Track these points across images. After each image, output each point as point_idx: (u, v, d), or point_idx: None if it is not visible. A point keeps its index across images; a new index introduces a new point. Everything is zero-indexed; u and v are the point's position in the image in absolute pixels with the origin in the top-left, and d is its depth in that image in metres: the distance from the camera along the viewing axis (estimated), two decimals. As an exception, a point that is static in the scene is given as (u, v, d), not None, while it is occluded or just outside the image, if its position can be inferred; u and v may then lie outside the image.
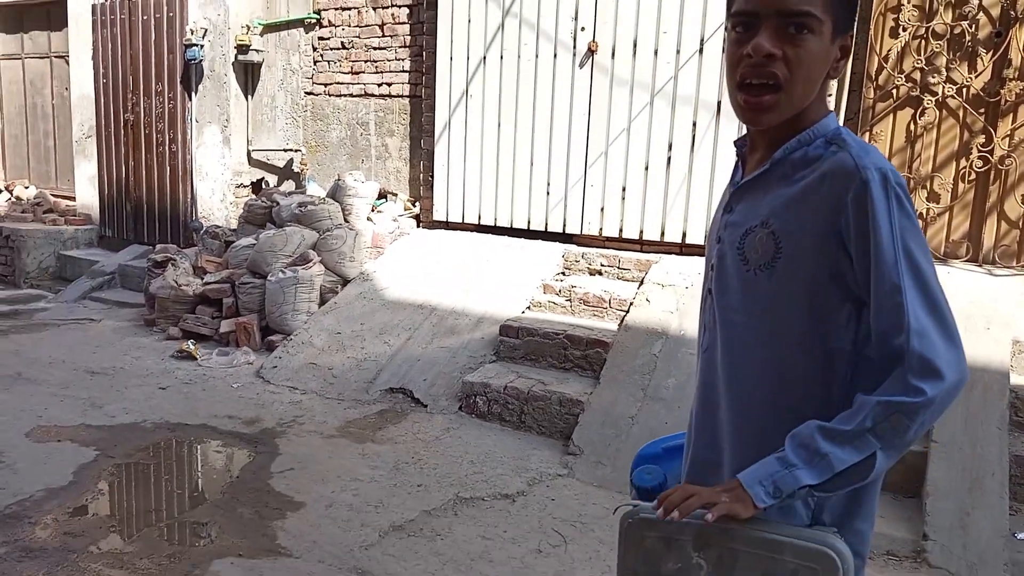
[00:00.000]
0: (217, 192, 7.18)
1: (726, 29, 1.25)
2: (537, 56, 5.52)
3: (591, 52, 5.29)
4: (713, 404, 1.31)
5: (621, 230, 5.31)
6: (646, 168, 5.17)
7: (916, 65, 4.54)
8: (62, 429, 3.91)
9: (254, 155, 7.16)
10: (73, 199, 8.44)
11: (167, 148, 7.36)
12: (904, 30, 4.54)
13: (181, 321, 5.65)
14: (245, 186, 7.19)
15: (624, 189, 5.27)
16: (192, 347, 5.15)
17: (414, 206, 6.40)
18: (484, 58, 5.74)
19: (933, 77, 4.51)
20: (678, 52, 5.00)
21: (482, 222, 5.93)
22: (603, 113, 5.29)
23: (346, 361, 4.87)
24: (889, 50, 4.60)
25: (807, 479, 1.11)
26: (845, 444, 1.11)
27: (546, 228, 5.64)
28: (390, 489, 3.38)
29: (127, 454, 3.66)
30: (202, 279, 5.82)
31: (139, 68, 7.40)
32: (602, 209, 5.37)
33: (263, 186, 7.13)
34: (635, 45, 5.13)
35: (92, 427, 3.95)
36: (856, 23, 1.22)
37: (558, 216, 5.58)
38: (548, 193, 5.59)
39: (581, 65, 5.35)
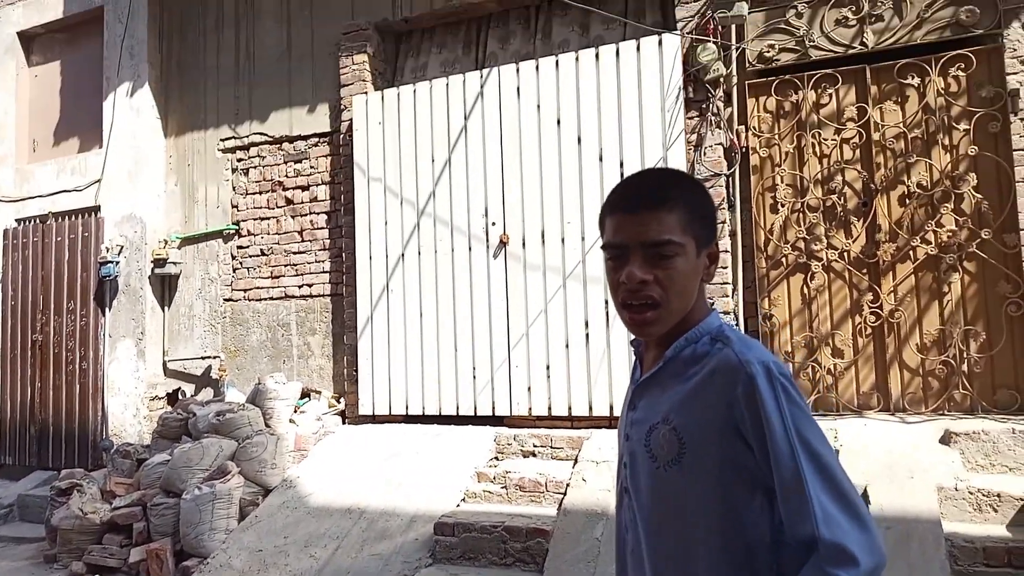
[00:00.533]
0: (130, 407, 6.87)
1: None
2: (453, 250, 5.77)
3: (503, 243, 5.58)
4: None
5: (550, 408, 5.32)
6: (567, 345, 5.30)
7: (799, 235, 4.97)
8: None
9: (170, 365, 6.98)
10: (-31, 428, 7.89)
11: (77, 366, 7.11)
12: (782, 206, 5.02)
13: (86, 554, 5.14)
14: (160, 398, 6.93)
15: (548, 367, 5.35)
16: (94, 584, 4.66)
17: (339, 402, 6.27)
18: (402, 255, 5.96)
19: (816, 244, 4.94)
20: (583, 239, 5.33)
21: (410, 412, 5.84)
22: (520, 297, 5.49)
23: (270, 581, 4.48)
24: (772, 223, 5.05)
25: None
26: None
27: (475, 412, 5.59)
28: None
29: None
30: (111, 504, 5.40)
31: (50, 287, 7.31)
32: (529, 388, 5.40)
33: (179, 396, 6.89)
34: (543, 235, 5.45)
35: None
36: (721, 229, 1.37)
37: (486, 399, 5.56)
38: (474, 377, 5.61)
39: (495, 255, 5.61)
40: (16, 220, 7.70)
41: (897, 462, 3.89)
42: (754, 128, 5.13)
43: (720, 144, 5.08)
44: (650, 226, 1.25)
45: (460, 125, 5.83)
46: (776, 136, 5.09)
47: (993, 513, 3.65)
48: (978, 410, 4.48)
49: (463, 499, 4.77)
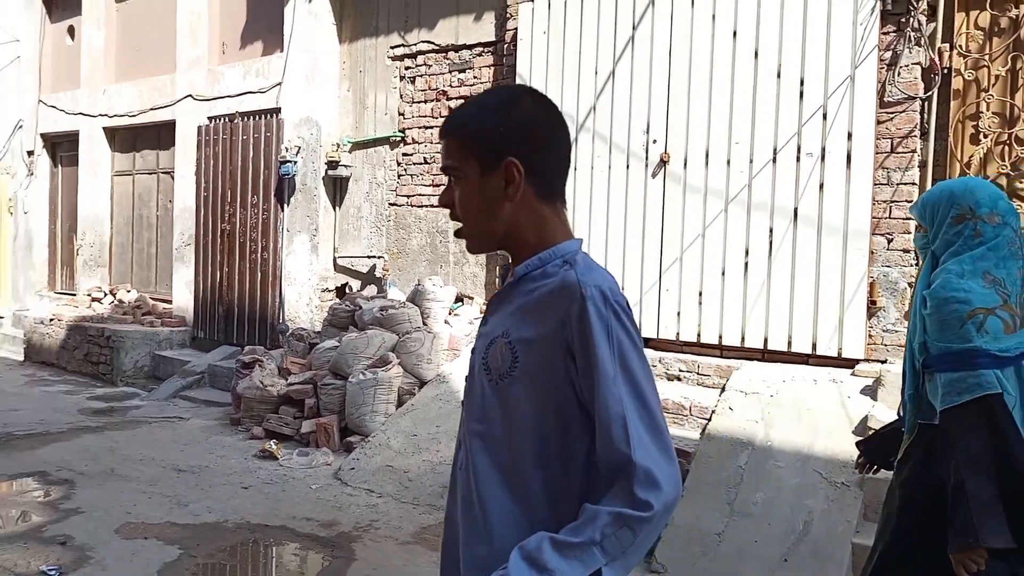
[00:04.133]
0: (304, 296, 7.51)
1: None
2: (610, 167, 5.70)
3: (663, 162, 5.44)
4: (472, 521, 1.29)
5: (699, 335, 5.27)
6: (723, 273, 5.17)
7: (1001, 170, 4.47)
8: (149, 526, 4.02)
9: (339, 262, 7.52)
10: (170, 302, 8.98)
11: (259, 255, 7.81)
12: (985, 136, 4.51)
13: (265, 421, 5.81)
14: (330, 291, 7.51)
15: (701, 294, 5.26)
16: (274, 447, 5.27)
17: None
18: (559, 169, 5.96)
19: (1020, 183, 4.43)
20: (751, 161, 5.09)
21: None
22: (677, 220, 5.38)
23: (421, 464, 4.88)
24: (971, 156, 4.57)
25: None
26: (572, 558, 1.10)
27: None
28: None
29: (209, 554, 3.72)
30: (286, 380, 6.02)
31: (237, 182, 7.99)
32: (678, 313, 5.36)
33: (347, 291, 7.43)
34: (707, 155, 5.25)
35: (177, 525, 4.05)
36: (516, 148, 1.25)
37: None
38: (623, 298, 5.63)
39: (654, 175, 5.50)
40: (208, 118, 8.40)
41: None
42: (959, 47, 4.59)
43: (918, 64, 4.60)
44: (444, 152, 1.30)
45: (627, 36, 5.64)
46: (986, 57, 4.52)
47: None
48: None
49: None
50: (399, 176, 7.20)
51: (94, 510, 4.22)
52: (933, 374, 2.11)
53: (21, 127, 10.90)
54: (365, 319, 6.18)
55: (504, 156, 1.25)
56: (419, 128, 7.04)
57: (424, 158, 7.00)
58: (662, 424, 1.16)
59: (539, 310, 1.23)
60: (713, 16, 5.24)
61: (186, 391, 7.32)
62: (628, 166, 5.62)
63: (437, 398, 5.52)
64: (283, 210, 7.67)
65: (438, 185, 6.92)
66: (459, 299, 6.64)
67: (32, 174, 10.85)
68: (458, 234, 1.34)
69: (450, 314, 6.40)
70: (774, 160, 5.00)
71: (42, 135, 10.65)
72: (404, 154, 7.15)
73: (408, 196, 7.13)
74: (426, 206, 7.00)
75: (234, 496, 4.54)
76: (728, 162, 5.17)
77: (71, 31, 10.45)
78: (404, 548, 3.87)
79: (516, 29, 6.19)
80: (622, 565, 1.12)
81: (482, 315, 1.40)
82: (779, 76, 4.99)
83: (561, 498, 1.22)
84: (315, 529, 4.08)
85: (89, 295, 9.56)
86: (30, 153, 10.82)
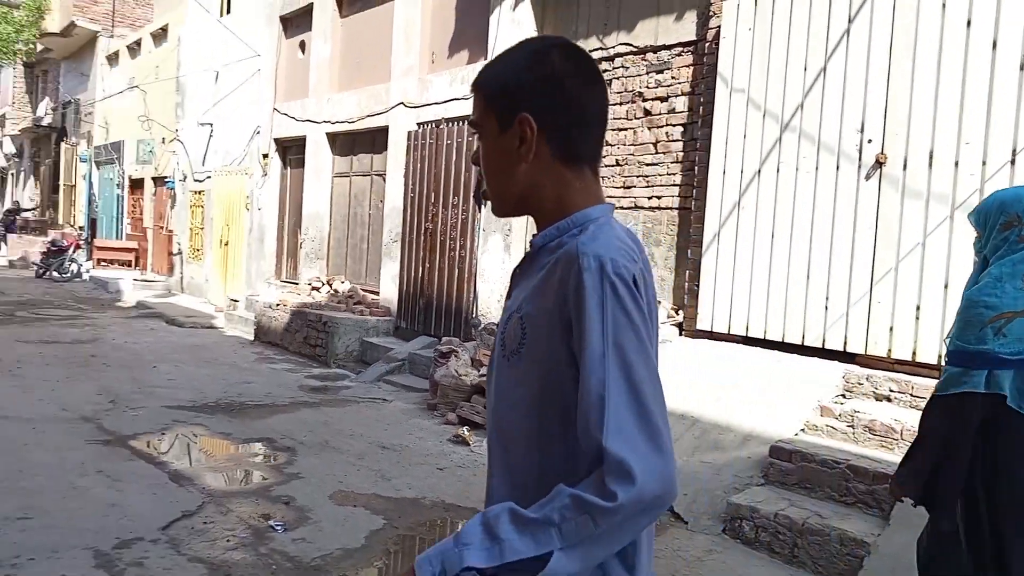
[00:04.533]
0: (495, 292, 7.84)
1: None
2: (817, 168, 5.39)
3: (879, 164, 5.04)
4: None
5: (914, 353, 4.83)
6: (945, 286, 4.70)
7: None
8: (357, 496, 4.42)
9: (530, 260, 7.76)
10: (377, 294, 9.77)
11: (456, 253, 8.28)
12: None
13: (458, 408, 6.16)
14: (519, 288, 7.77)
15: (918, 308, 4.82)
16: (467, 433, 5.57)
17: (677, 314, 6.42)
18: (758, 171, 5.74)
19: None
20: (983, 163, 4.58)
21: (750, 334, 5.76)
22: (893, 225, 4.96)
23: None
24: None
25: (473, 560, 1.01)
26: (526, 533, 1.01)
27: (823, 345, 5.32)
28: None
29: (409, 527, 4.03)
30: (478, 371, 6.33)
31: (440, 183, 8.52)
32: (891, 328, 4.94)
33: (535, 289, 7.66)
34: (931, 156, 4.80)
35: (381, 497, 4.42)
36: (533, 104, 1.15)
37: (837, 333, 5.24)
38: (826, 308, 5.30)
39: (867, 177, 5.12)
40: (417, 124, 9.03)
41: None
42: None
43: None
44: (472, 107, 1.24)
45: (842, 29, 5.30)
46: None
47: None
48: None
49: (802, 429, 4.64)
50: (592, 178, 7.28)
51: (312, 476, 4.71)
52: (944, 367, 2.36)
53: (259, 133, 12.37)
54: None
55: (518, 112, 1.16)
56: (612, 131, 7.08)
57: (616, 160, 7.04)
58: (654, 412, 1.02)
59: (544, 283, 1.13)
60: (943, 4, 4.78)
61: (389, 376, 7.93)
62: (838, 167, 5.28)
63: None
64: (480, 211, 8.06)
65: (629, 187, 6.93)
66: (647, 302, 6.60)
67: (266, 175, 12.28)
68: (485, 195, 1.28)
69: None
70: (1012, 162, 4.47)
71: (275, 140, 12.01)
72: (597, 156, 7.22)
73: (600, 198, 7.19)
74: (618, 209, 7.03)
75: (430, 476, 4.86)
76: (956, 164, 4.70)
77: (302, 45, 11.69)
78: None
79: (719, 27, 6.04)
80: (582, 556, 1.00)
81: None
82: (1022, 68, 4.44)
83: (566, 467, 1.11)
84: (503, 515, 4.26)
85: (309, 284, 10.64)
86: (265, 156, 12.25)
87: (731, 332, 5.88)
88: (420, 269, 8.82)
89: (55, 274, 16.61)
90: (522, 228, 7.79)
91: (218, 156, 13.74)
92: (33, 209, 25.53)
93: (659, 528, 4.17)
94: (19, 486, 4.08)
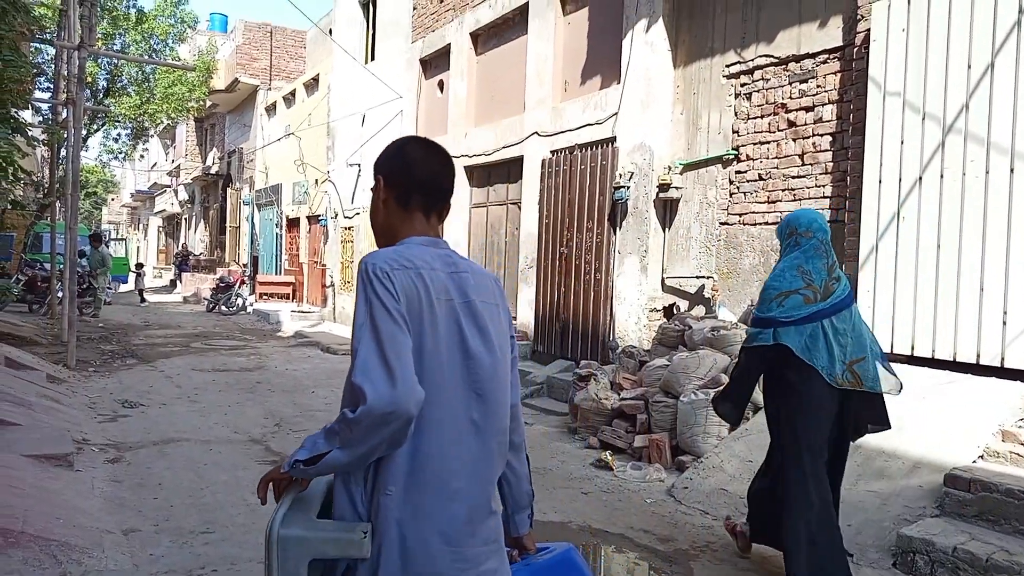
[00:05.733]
0: (632, 315, 7.75)
1: None
2: (987, 172, 4.95)
3: (1063, 163, 4.55)
4: None
5: (1115, 372, 4.28)
6: None
7: None
8: (504, 518, 4.46)
9: (667, 282, 7.62)
10: (515, 319, 9.91)
11: (592, 276, 8.28)
12: None
13: (599, 432, 6.11)
14: (657, 310, 7.64)
15: (1118, 322, 4.28)
16: (610, 458, 5.51)
17: (832, 334, 6.05)
18: (919, 178, 5.35)
19: None
20: None
21: (916, 353, 5.33)
22: (1083, 231, 4.45)
23: (758, 492, 4.69)
24: None
25: (298, 455, 1.48)
26: (323, 438, 1.46)
27: (1001, 363, 4.83)
28: (814, 640, 3.09)
29: (556, 550, 4.01)
30: (619, 394, 6.26)
31: (574, 208, 8.58)
32: (1085, 345, 4.41)
33: (674, 311, 7.50)
34: None
35: (527, 520, 4.43)
36: (383, 174, 1.75)
37: (1018, 350, 4.74)
38: (1004, 323, 4.82)
39: (1049, 178, 4.63)
40: (550, 152, 9.17)
41: None
42: None
43: None
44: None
45: (1012, 21, 4.87)
46: None
47: None
48: None
49: (980, 456, 4.22)
50: (731, 195, 7.08)
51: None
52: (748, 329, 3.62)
53: (401, 170, 13.00)
54: (695, 339, 6.17)
55: (377, 177, 1.74)
56: (754, 144, 6.87)
57: (759, 175, 6.80)
58: (390, 356, 1.43)
59: None
60: None
61: (528, 399, 8.00)
62: (1012, 170, 4.82)
63: (774, 424, 5.26)
64: (615, 233, 8.03)
65: (773, 202, 6.67)
66: (797, 322, 6.28)
67: (408, 209, 12.86)
68: None
69: (787, 337, 6.08)
70: None
71: (416, 175, 12.57)
72: (737, 172, 7.02)
73: (740, 215, 6.98)
74: (760, 224, 6.78)
75: (575, 500, 4.84)
76: None
77: (440, 85, 12.24)
78: (744, 575, 3.75)
79: (868, 30, 5.73)
80: (347, 453, 1.44)
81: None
82: None
83: None
84: (652, 542, 4.16)
85: (449, 311, 10.99)
86: (407, 191, 12.85)
87: (894, 351, 5.47)
88: (556, 293, 8.88)
89: (223, 308, 18.18)
90: (659, 250, 7.68)
91: (366, 194, 14.59)
92: (200, 253, 28.18)
93: (821, 561, 3.91)
94: (201, 502, 4.46)
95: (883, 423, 3.46)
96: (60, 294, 12.25)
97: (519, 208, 9.97)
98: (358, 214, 14.95)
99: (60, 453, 4.72)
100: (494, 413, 1.60)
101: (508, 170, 10.41)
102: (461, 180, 11.32)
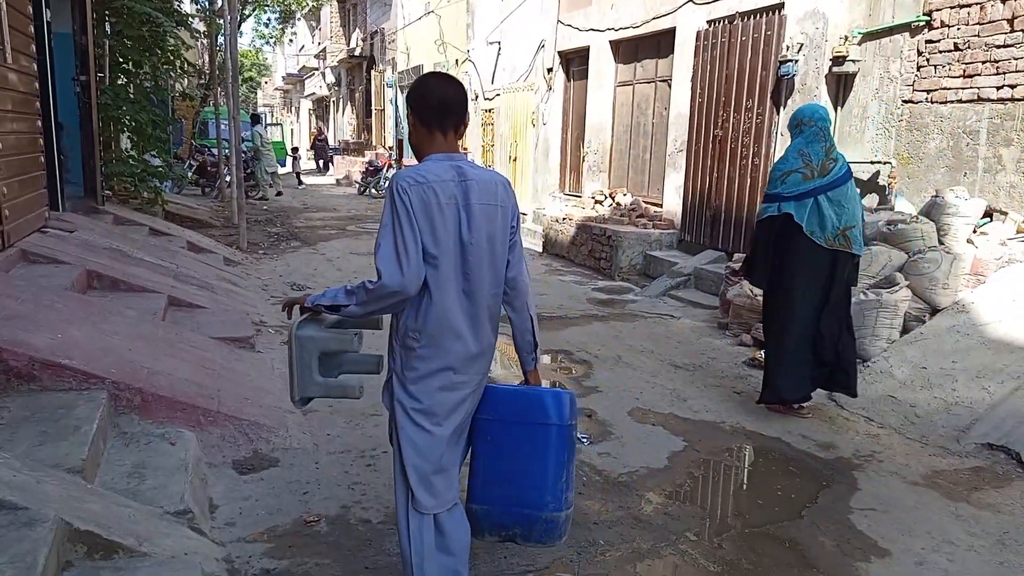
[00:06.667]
0: (793, 204, 7.23)
1: None
2: None
3: None
4: None
5: None
6: None
7: None
8: (655, 414, 4.47)
9: (835, 168, 6.97)
10: (660, 206, 9.58)
11: (749, 161, 7.73)
12: None
13: (753, 329, 5.88)
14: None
15: None
16: (763, 356, 5.30)
17: (1032, 228, 5.37)
18: None
19: None
20: None
21: None
22: None
23: (932, 401, 4.39)
24: None
25: (322, 301, 2.19)
26: (343, 294, 2.16)
27: None
28: (994, 568, 2.91)
29: (710, 451, 3.98)
30: (776, 291, 5.94)
31: (732, 86, 7.93)
32: None
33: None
34: None
35: (678, 418, 4.42)
36: (410, 104, 2.23)
37: None
38: None
39: None
40: (707, 22, 8.42)
41: None
42: None
43: None
44: None
45: None
46: None
47: None
48: None
49: None
50: (918, 68, 6.23)
51: (609, 391, 4.86)
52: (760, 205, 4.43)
53: (543, 47, 12.54)
54: (867, 233, 5.66)
55: (407, 107, 2.25)
56: (951, 8, 5.93)
57: (955, 44, 5.91)
58: (400, 249, 2.04)
59: None
60: None
61: (674, 291, 7.83)
62: None
63: (953, 329, 4.84)
64: (778, 113, 7.38)
65: (970, 76, 5.82)
66: (988, 214, 5.61)
67: (550, 89, 12.48)
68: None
69: (975, 232, 5.46)
70: None
71: (559, 53, 12.09)
72: (928, 41, 6.14)
73: (928, 91, 6.16)
74: (952, 102, 5.96)
75: (727, 399, 4.74)
76: None
77: (584, -48, 11.41)
78: (913, 489, 3.56)
79: None
80: (359, 309, 2.14)
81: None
82: None
83: None
84: (811, 448, 4.03)
85: (592, 197, 10.79)
86: (549, 70, 12.43)
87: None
88: (707, 179, 8.42)
89: (373, 191, 18.90)
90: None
91: (506, 73, 14.27)
92: (333, 147, 29.03)
93: (1000, 479, 3.64)
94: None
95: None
96: (228, 178, 13.17)
97: (669, 86, 9.36)
98: (498, 95, 14.71)
99: (243, 336, 5.17)
100: (479, 285, 2.18)
101: (658, 43, 9.72)
102: (606, 55, 10.74)
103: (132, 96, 9.66)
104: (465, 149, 16.72)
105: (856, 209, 4.15)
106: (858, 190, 4.42)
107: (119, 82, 9.76)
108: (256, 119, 17.63)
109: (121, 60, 9.70)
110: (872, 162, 6.64)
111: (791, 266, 4.19)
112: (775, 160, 7.39)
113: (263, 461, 3.52)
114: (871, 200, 6.62)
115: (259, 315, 6.11)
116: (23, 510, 2.33)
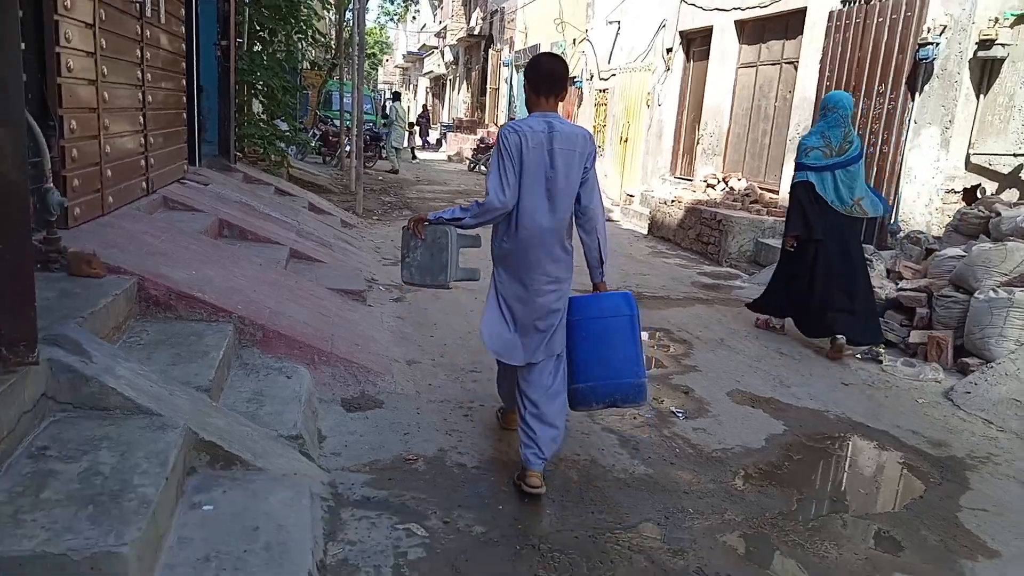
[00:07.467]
0: (923, 196, 6.82)
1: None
2: None
3: None
4: None
5: None
6: None
7: None
8: (755, 398, 4.37)
9: (973, 159, 6.54)
10: (776, 193, 9.25)
11: (877, 149, 7.34)
12: None
13: (866, 322, 5.61)
14: (956, 192, 6.64)
15: None
16: (881, 350, 5.07)
17: None
18: None
19: None
20: None
21: None
22: None
23: (1064, 409, 4.07)
24: None
25: (444, 215, 3.05)
26: (460, 211, 3.00)
27: None
28: (1122, 583, 2.70)
29: (811, 437, 3.86)
30: (896, 284, 5.66)
31: (863, 70, 7.52)
32: None
33: (978, 194, 6.46)
34: None
35: (780, 402, 4.30)
36: (525, 75, 3.04)
37: None
38: None
39: None
40: (841, 1, 8.01)
41: None
42: None
43: None
44: None
45: None
46: None
47: None
48: None
49: None
50: (1080, 53, 5.71)
51: (709, 371, 4.79)
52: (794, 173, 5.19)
53: (664, 26, 12.29)
54: (1003, 228, 5.29)
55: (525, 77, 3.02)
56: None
57: None
58: (503, 180, 2.86)
59: None
60: None
61: (785, 280, 7.54)
62: None
63: (1097, 335, 4.44)
64: (912, 99, 6.96)
65: None
66: None
67: (668, 69, 12.23)
68: None
69: None
70: None
71: (680, 32, 11.82)
72: (1094, 24, 5.61)
73: (1090, 79, 5.64)
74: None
75: (834, 390, 4.57)
76: None
77: (714, -71, 11.06)
78: (1033, 495, 3.34)
79: None
80: (473, 220, 2.98)
81: None
82: None
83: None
84: (921, 444, 3.83)
85: (704, 181, 10.53)
86: (668, 50, 12.17)
87: None
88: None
89: (483, 168, 19.18)
90: (967, 120, 6.54)
91: (623, 54, 14.09)
92: (447, 124, 29.53)
93: None
94: (469, 344, 4.86)
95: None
96: (348, 148, 13.73)
97: (795, 68, 8.99)
98: (614, 75, 14.54)
99: (356, 289, 5.43)
100: (559, 205, 2.91)
101: (787, 24, 9.34)
102: (730, 36, 10.42)
103: (266, 63, 10.22)
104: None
105: (862, 184, 4.98)
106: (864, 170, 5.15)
107: (255, 49, 10.35)
108: (396, 96, 18.81)
109: (258, 28, 10.28)
110: (1016, 155, 6.16)
111: (812, 228, 5.04)
112: (903, 145, 7.01)
113: (369, 402, 3.72)
114: (1011, 194, 6.16)
115: (371, 273, 6.39)
116: (158, 416, 2.58)
